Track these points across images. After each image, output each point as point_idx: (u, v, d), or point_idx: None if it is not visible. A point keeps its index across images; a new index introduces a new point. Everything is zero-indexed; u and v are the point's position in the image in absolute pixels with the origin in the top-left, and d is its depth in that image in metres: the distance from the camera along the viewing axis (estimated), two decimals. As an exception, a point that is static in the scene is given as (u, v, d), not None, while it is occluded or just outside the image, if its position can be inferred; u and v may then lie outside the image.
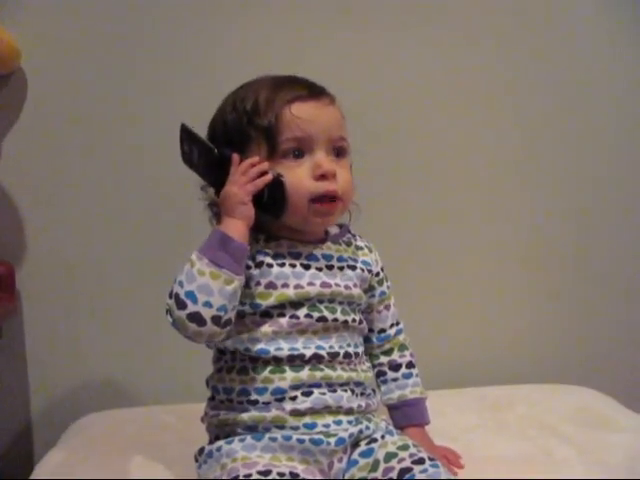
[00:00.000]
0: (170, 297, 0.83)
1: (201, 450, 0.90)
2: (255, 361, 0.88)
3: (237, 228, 0.84)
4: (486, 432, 1.11)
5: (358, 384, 0.91)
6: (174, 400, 1.29)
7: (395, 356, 1.00)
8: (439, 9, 1.37)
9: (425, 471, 0.83)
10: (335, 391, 0.88)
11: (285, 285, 0.88)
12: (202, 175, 0.91)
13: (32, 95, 1.30)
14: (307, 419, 0.86)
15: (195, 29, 1.32)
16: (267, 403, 0.86)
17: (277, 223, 0.90)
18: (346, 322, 0.91)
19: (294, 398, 0.86)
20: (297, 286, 0.89)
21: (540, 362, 1.45)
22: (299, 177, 0.88)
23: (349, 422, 0.88)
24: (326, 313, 0.90)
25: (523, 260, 1.46)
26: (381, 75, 1.37)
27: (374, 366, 1.00)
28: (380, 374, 1.00)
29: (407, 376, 1.00)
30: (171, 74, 1.33)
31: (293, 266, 0.89)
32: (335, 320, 0.90)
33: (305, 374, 0.87)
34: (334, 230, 0.98)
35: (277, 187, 0.87)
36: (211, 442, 0.90)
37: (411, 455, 0.86)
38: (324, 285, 0.90)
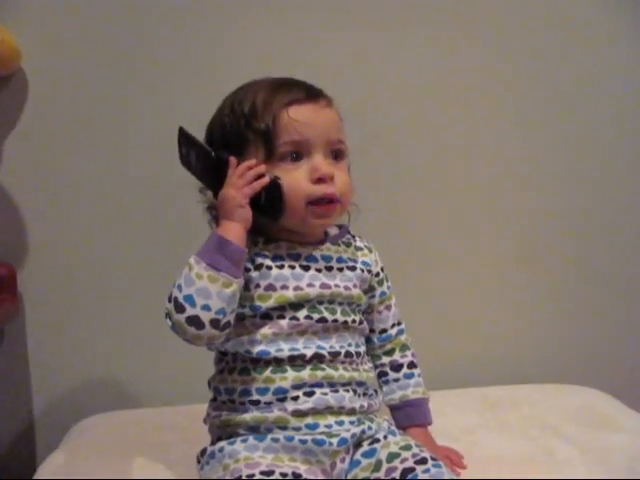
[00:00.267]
0: (169, 301, 0.83)
1: (203, 451, 0.90)
2: (256, 362, 0.88)
3: (235, 231, 0.84)
4: (488, 432, 1.11)
5: (360, 384, 0.91)
6: (176, 401, 1.29)
7: (396, 356, 1.00)
8: (439, 9, 1.37)
9: (428, 471, 0.83)
10: (337, 391, 0.88)
11: (284, 287, 0.88)
12: (200, 178, 0.91)
13: (32, 96, 1.30)
14: (309, 419, 0.86)
15: (195, 29, 1.32)
16: (269, 403, 0.86)
17: (276, 225, 0.90)
18: (346, 323, 0.91)
19: (296, 398, 0.86)
20: (296, 288, 0.89)
21: (542, 362, 1.45)
22: (297, 180, 0.87)
23: (351, 422, 0.88)
24: (326, 314, 0.90)
25: (523, 260, 1.46)
26: (381, 75, 1.37)
27: (376, 366, 1.00)
28: (382, 374, 1.00)
29: (409, 376, 1.00)
30: (171, 74, 1.33)
31: (292, 268, 0.89)
32: (335, 321, 0.90)
33: (306, 374, 0.87)
34: (333, 231, 0.97)
35: (274, 190, 0.86)
36: (213, 443, 0.90)
37: (414, 455, 0.86)
38: (324, 286, 0.90)
